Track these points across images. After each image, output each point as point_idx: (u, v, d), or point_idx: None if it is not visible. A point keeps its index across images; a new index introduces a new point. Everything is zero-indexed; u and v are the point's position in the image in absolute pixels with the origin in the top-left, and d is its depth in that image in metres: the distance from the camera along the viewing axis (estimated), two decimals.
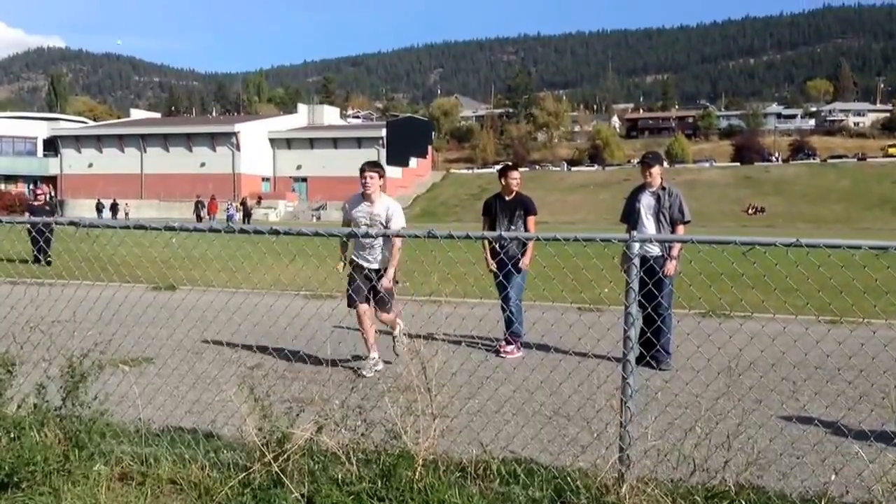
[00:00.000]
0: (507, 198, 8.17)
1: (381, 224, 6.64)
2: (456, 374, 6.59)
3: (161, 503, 3.72)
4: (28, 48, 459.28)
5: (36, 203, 18.18)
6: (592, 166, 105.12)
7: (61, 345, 4.21)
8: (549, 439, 4.74)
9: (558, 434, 4.88)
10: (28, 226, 14.78)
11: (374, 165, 6.96)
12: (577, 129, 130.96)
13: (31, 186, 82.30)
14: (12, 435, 3.87)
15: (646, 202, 7.55)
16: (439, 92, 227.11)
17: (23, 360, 4.29)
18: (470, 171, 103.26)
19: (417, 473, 3.66)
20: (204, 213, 56.74)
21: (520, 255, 7.75)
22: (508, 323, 7.63)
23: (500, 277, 7.33)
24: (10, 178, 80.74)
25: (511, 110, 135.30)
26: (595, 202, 78.28)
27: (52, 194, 76.08)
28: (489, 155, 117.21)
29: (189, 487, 3.80)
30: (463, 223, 65.01)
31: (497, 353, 7.60)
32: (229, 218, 57.03)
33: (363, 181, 6.78)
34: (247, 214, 58.48)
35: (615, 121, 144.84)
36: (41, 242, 15.34)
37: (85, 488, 3.71)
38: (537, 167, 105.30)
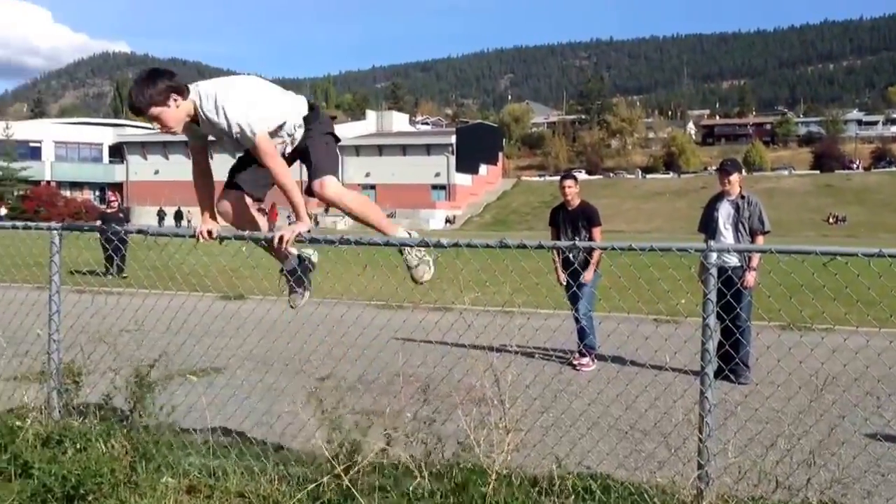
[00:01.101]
0: (569, 208, 8.07)
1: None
2: (529, 387, 6.46)
3: None
4: (93, 53, 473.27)
5: (109, 211, 18.41)
6: (668, 174, 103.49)
7: (129, 355, 4.24)
8: (626, 454, 4.62)
9: (634, 449, 4.76)
10: (100, 234, 15.06)
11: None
12: (651, 135, 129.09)
13: (99, 193, 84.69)
14: (79, 446, 3.90)
15: (724, 211, 7.38)
16: (510, 97, 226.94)
17: (90, 370, 4.33)
18: (542, 179, 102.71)
19: (491, 488, 3.57)
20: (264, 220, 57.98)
21: (586, 267, 7.60)
22: (581, 335, 7.55)
23: (572, 289, 7.25)
24: (75, 185, 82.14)
25: (583, 116, 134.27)
26: (671, 210, 76.93)
27: (121, 202, 77.96)
28: (561, 162, 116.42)
29: (257, 501, 3.77)
30: (535, 232, 64.63)
31: (572, 365, 7.48)
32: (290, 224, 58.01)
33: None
34: (314, 223, 59.58)
35: (690, 127, 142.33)
36: (110, 251, 15.55)
37: (152, 501, 3.69)
38: (611, 174, 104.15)
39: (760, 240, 7.26)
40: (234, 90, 4.04)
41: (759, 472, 3.57)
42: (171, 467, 3.92)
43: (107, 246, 15.42)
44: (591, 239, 7.78)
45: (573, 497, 3.65)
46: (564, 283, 7.74)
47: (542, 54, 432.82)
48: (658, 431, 4.95)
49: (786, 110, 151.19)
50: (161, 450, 3.95)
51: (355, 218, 4.26)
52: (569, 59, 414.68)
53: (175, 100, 3.86)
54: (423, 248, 4.16)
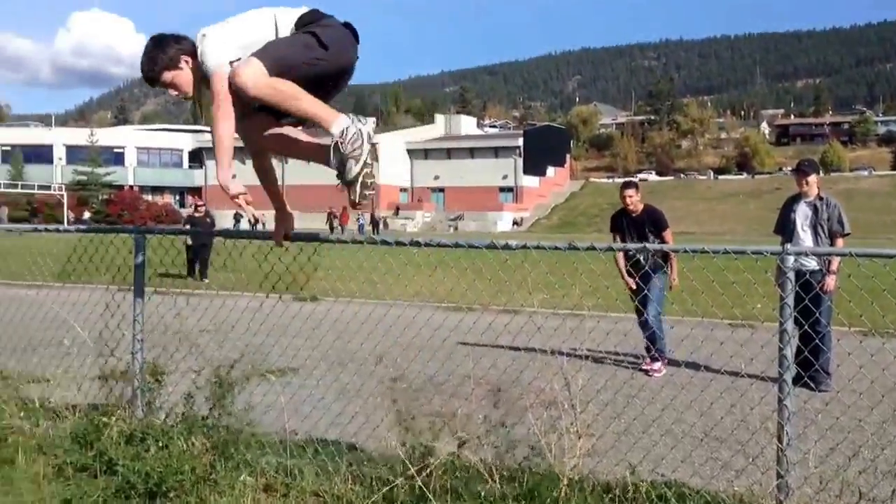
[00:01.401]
0: (633, 214, 7.88)
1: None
2: (601, 392, 6.40)
3: None
4: None
5: (197, 215, 18.63)
6: (741, 174, 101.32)
7: (209, 355, 4.34)
8: (701, 462, 4.52)
9: (710, 457, 4.66)
10: (186, 238, 15.38)
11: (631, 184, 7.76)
12: (723, 136, 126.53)
13: (178, 197, 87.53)
14: (161, 444, 4.01)
15: (801, 213, 7.20)
16: (577, 99, 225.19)
17: (172, 369, 4.45)
18: (610, 180, 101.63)
19: (562, 493, 3.55)
20: (336, 223, 59.02)
21: (656, 270, 7.50)
22: (651, 339, 7.44)
23: (642, 292, 7.12)
24: (156, 190, 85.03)
25: (653, 117, 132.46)
26: (744, 212, 75.15)
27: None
28: (630, 163, 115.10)
29: (332, 500, 3.82)
30: (603, 234, 63.80)
31: (644, 371, 7.39)
32: (360, 228, 58.99)
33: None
34: (375, 225, 60.20)
35: (764, 127, 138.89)
36: (196, 254, 15.93)
37: (230, 499, 3.78)
38: (682, 176, 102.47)
39: (840, 242, 7.06)
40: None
41: (841, 483, 3.48)
42: (249, 465, 4.00)
43: (192, 249, 15.75)
44: (661, 243, 7.60)
45: None
46: (634, 288, 7.60)
47: (610, 55, 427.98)
48: (735, 439, 4.86)
49: (864, 109, 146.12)
50: (239, 448, 4.03)
51: (287, 112, 3.57)
52: (637, 60, 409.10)
53: (187, 61, 3.58)
54: (359, 123, 3.71)
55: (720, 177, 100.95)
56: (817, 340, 6.34)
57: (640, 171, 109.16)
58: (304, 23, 3.50)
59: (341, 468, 4.00)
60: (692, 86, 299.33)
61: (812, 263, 6.82)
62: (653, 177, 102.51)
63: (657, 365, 7.41)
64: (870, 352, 6.24)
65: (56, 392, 4.92)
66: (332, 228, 57.64)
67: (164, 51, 3.54)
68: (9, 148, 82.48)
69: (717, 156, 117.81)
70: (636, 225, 7.77)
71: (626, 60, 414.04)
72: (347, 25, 3.59)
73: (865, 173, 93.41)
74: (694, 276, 5.24)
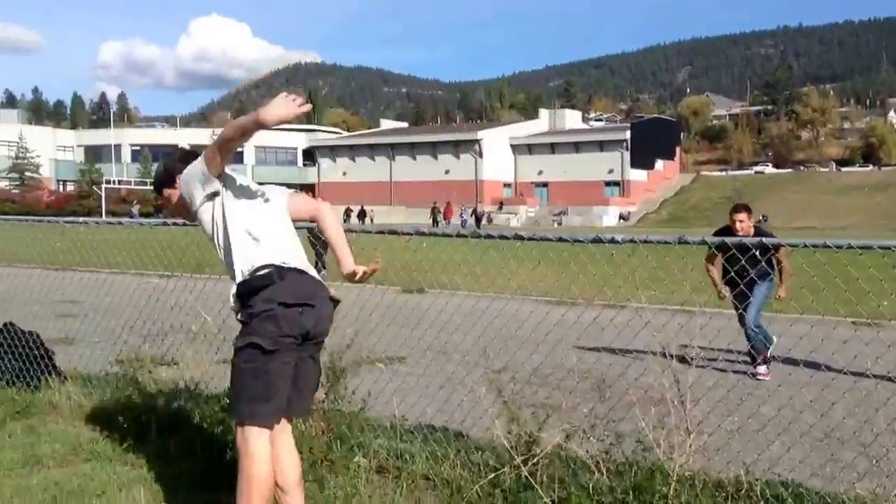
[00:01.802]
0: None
1: None
2: (712, 389, 6.26)
3: (416, 497, 3.86)
4: (287, 64, 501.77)
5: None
6: (866, 166, 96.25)
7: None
8: (820, 463, 4.38)
9: (830, 458, 4.50)
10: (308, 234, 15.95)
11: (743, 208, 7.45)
12: (846, 125, 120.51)
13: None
14: None
15: None
16: (688, 90, 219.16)
17: None
18: (723, 173, 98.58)
19: (672, 489, 3.51)
20: (440, 218, 59.57)
21: (763, 278, 7.19)
22: (755, 347, 7.18)
23: (740, 287, 6.82)
24: None
25: (769, 107, 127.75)
26: (869, 206, 71.38)
27: None
28: (745, 155, 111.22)
29: (442, 484, 3.92)
30: (716, 227, 61.80)
31: (753, 376, 7.22)
32: (463, 223, 59.34)
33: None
34: (478, 219, 60.45)
35: (892, 116, 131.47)
36: (318, 249, 16.42)
37: (346, 479, 3.93)
38: (802, 168, 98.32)
39: None
40: None
41: None
42: (363, 448, 4.15)
43: (315, 244, 16.22)
44: (775, 263, 7.34)
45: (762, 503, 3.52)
46: (729, 296, 7.38)
47: (724, 44, 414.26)
48: (857, 441, 4.70)
49: None
50: (353, 432, 4.18)
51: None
52: (752, 49, 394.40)
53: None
54: None
55: (843, 168, 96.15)
56: None
57: (755, 164, 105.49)
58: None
59: (450, 454, 4.09)
60: (812, 74, 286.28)
61: None
62: (769, 169, 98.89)
63: (762, 368, 7.21)
64: None
65: (185, 374, 5.21)
66: (435, 222, 58.30)
67: (167, 168, 3.64)
68: (138, 148, 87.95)
69: (840, 147, 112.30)
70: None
71: (740, 49, 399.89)
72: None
73: None
74: (815, 272, 5.05)
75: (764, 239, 5.39)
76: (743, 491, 3.59)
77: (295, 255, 3.37)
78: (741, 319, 7.35)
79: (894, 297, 4.41)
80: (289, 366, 3.17)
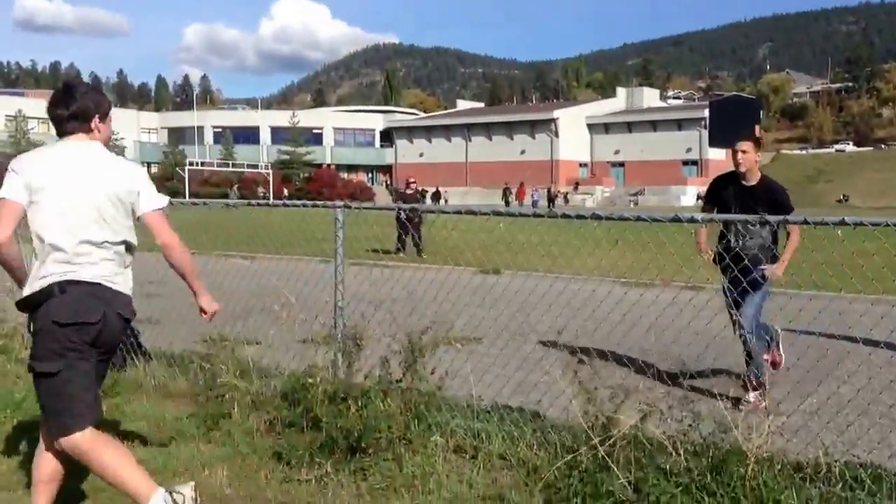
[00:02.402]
0: (744, 182, 5.95)
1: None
2: (790, 370, 6.15)
3: (493, 477, 3.92)
4: (366, 45, 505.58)
5: (408, 192, 18.92)
6: None
7: (401, 322, 4.59)
8: None
9: None
10: (398, 215, 15.96)
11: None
12: None
13: (370, 175, 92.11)
14: (360, 403, 4.29)
15: None
16: (768, 67, 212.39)
17: (369, 335, 4.75)
18: (804, 152, 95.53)
19: (750, 470, 3.48)
20: (512, 199, 59.33)
21: (757, 264, 5.63)
22: (748, 356, 5.81)
23: (734, 293, 5.54)
24: (351, 168, 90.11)
25: (851, 84, 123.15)
26: None
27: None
28: (826, 134, 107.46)
29: (518, 464, 3.97)
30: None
31: (737, 402, 5.52)
32: (534, 203, 59.01)
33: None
34: (551, 200, 60.11)
35: None
36: (410, 231, 15.70)
37: (424, 457, 4.01)
38: (883, 146, 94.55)
39: None
40: None
41: None
42: (440, 427, 4.23)
43: (404, 226, 15.57)
44: (776, 231, 5.86)
45: (840, 485, 3.50)
46: (710, 257, 6.09)
47: (805, 21, 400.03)
48: None
49: None
50: (431, 411, 4.27)
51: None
52: (834, 25, 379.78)
53: None
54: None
55: None
56: None
57: (836, 142, 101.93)
58: None
59: (526, 434, 4.14)
60: (895, 50, 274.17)
61: None
62: (850, 147, 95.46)
63: (752, 395, 5.62)
64: None
65: (267, 354, 5.39)
66: (507, 203, 58.21)
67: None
68: (220, 130, 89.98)
69: None
70: (745, 199, 5.82)
71: (821, 25, 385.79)
72: None
73: None
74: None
75: (791, 217, 4.65)
76: (822, 472, 3.56)
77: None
78: (733, 313, 5.95)
79: None
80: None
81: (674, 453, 3.67)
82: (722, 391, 3.94)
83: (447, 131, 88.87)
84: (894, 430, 4.56)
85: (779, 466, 3.55)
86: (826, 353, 6.52)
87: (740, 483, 3.44)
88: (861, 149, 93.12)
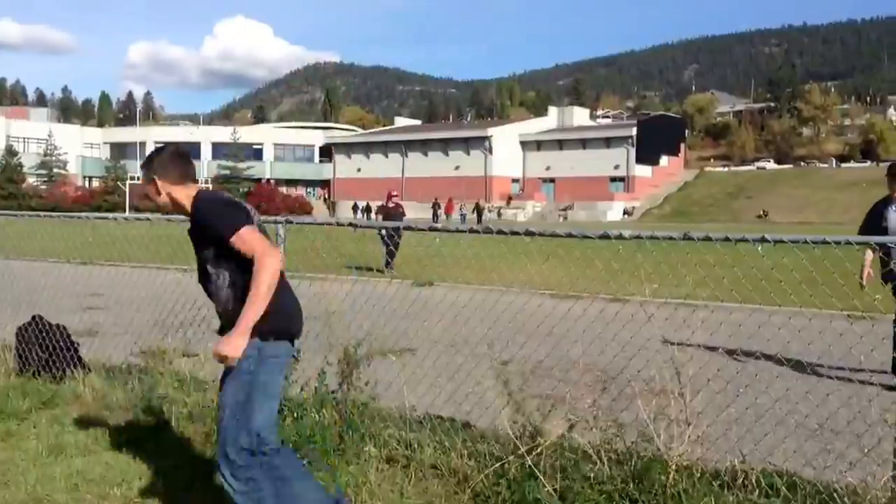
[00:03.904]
0: None
1: None
2: (711, 381, 6.39)
3: (423, 487, 3.98)
4: (307, 64, 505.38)
5: (390, 206, 17.93)
6: (865, 162, 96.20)
7: (337, 335, 4.64)
8: (814, 453, 4.47)
9: (824, 448, 4.60)
10: (382, 231, 15.33)
11: None
12: (847, 122, 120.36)
13: (309, 189, 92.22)
14: (296, 415, 4.34)
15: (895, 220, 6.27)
16: (694, 88, 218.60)
17: (305, 347, 4.78)
18: (726, 169, 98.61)
19: (671, 478, 3.62)
20: (440, 213, 60.33)
21: None
22: None
23: None
24: (290, 182, 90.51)
25: (772, 104, 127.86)
26: (868, 201, 70.39)
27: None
28: (747, 152, 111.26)
29: (449, 473, 4.04)
30: (717, 223, 62.05)
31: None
32: (462, 218, 60.00)
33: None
34: (479, 214, 61.01)
35: (891, 113, 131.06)
36: (390, 247, 14.75)
37: (357, 467, 4.06)
38: (802, 164, 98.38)
39: None
40: None
41: None
42: (374, 438, 4.29)
43: (388, 242, 14.69)
44: None
45: (757, 493, 3.63)
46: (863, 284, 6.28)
47: (729, 43, 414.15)
48: (850, 431, 4.76)
49: None
50: (365, 421, 4.32)
51: None
52: (758, 47, 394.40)
53: None
54: None
55: (843, 165, 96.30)
56: None
57: (757, 160, 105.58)
58: None
59: (457, 444, 4.21)
60: (815, 72, 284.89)
61: None
62: (771, 165, 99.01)
63: None
64: None
65: (205, 366, 5.36)
66: (435, 217, 58.80)
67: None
68: (162, 145, 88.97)
69: (839, 143, 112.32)
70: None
71: (745, 47, 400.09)
72: None
73: None
74: (813, 267, 5.17)
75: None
76: (739, 480, 3.69)
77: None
78: None
79: (888, 290, 4.52)
80: None
81: (598, 462, 3.78)
82: (645, 402, 4.10)
83: (385, 147, 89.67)
84: (810, 440, 4.72)
85: (698, 474, 3.68)
86: (745, 365, 6.80)
87: (661, 491, 3.57)
88: (781, 166, 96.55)
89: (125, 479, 4.10)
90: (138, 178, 70.09)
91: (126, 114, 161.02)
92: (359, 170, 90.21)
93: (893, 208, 6.45)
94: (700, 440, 3.92)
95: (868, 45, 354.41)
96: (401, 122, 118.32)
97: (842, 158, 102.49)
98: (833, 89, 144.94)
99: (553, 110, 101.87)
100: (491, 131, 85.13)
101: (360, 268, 13.63)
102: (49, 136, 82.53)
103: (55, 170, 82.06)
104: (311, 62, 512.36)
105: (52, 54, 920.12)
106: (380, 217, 17.28)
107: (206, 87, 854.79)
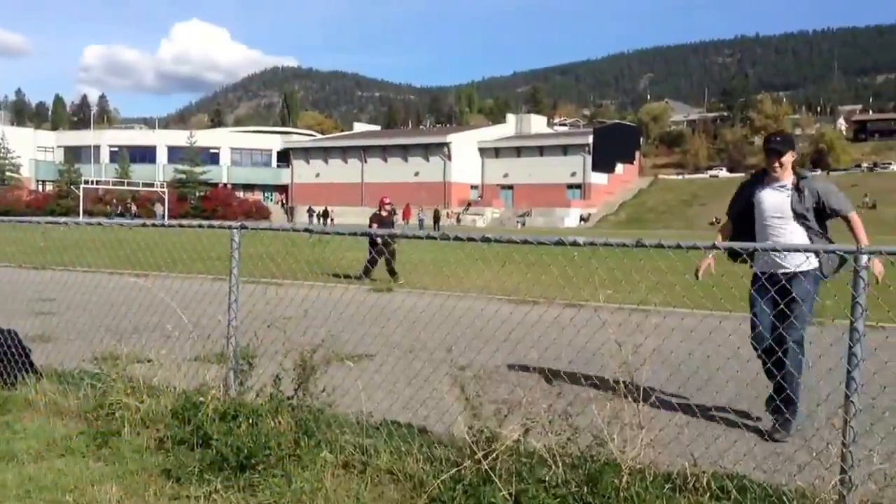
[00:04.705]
0: (778, 185, 5.45)
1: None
2: (664, 385, 6.50)
3: (379, 492, 3.97)
4: (265, 68, 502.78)
5: (384, 213, 17.41)
6: (815, 171, 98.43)
7: (294, 341, 4.63)
8: (764, 456, 4.57)
9: (773, 451, 4.70)
10: (371, 239, 14.79)
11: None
12: (798, 132, 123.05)
13: (267, 194, 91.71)
14: (251, 421, 4.30)
15: (771, 201, 5.45)
16: (649, 97, 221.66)
17: (262, 353, 4.77)
18: (680, 177, 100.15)
19: (624, 481, 3.66)
20: (397, 218, 60.56)
21: (806, 275, 5.29)
22: (786, 400, 5.11)
23: (760, 305, 5.30)
24: (247, 187, 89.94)
25: (725, 114, 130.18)
26: None
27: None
28: (700, 160, 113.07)
29: (405, 479, 4.04)
30: (671, 230, 62.99)
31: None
32: (420, 223, 60.15)
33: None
34: (437, 220, 61.25)
35: (841, 123, 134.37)
36: (385, 255, 14.19)
37: (312, 473, 4.04)
38: (753, 172, 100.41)
39: (854, 217, 5.31)
40: None
41: None
42: (329, 444, 4.27)
43: (383, 251, 14.08)
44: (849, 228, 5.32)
45: (708, 495, 3.69)
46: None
47: (684, 53, 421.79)
48: (799, 434, 4.87)
49: None
50: (321, 427, 4.30)
51: None
52: (711, 57, 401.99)
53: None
54: None
55: None
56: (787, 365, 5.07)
57: (710, 168, 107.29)
58: None
59: (413, 449, 4.21)
60: (767, 82, 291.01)
61: (791, 263, 5.35)
62: (724, 173, 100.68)
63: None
64: None
65: (159, 372, 5.31)
66: (392, 223, 59.04)
67: None
68: (117, 149, 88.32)
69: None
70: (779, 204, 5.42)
71: (700, 57, 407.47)
72: None
73: None
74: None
75: (718, 243, 4.28)
76: (690, 483, 3.74)
77: None
78: (758, 331, 5.52)
79: (837, 297, 4.63)
80: None
81: (553, 466, 3.80)
82: (599, 406, 4.16)
83: (344, 153, 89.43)
84: (759, 443, 4.82)
85: (651, 478, 3.72)
86: (697, 370, 6.90)
87: (615, 494, 3.61)
88: (734, 175, 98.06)
89: (77, 485, 4.04)
90: (92, 182, 69.51)
91: (80, 117, 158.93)
92: (317, 175, 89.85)
93: (771, 188, 5.47)
94: (653, 444, 3.97)
95: (819, 57, 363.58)
96: (360, 127, 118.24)
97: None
98: (785, 99, 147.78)
99: (511, 118, 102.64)
100: (450, 138, 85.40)
101: (338, 275, 13.49)
102: (2, 138, 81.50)
103: (8, 173, 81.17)
104: (269, 66, 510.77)
105: (5, 57, 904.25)
106: (375, 225, 16.58)
107: (162, 91, 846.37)
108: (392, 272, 14.61)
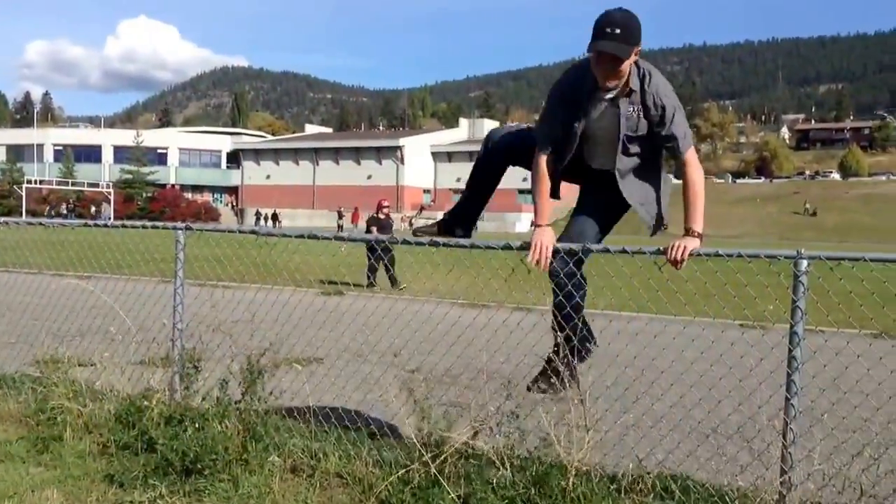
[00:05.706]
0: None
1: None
2: (610, 388, 6.59)
3: (328, 495, 3.96)
4: (215, 67, 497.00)
5: (381, 216, 17.02)
6: (759, 178, 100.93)
7: (241, 344, 4.59)
8: (707, 457, 4.64)
9: (716, 452, 4.77)
10: (369, 245, 13.89)
11: None
12: (743, 140, 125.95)
13: (216, 195, 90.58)
14: (197, 425, 4.26)
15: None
16: None
17: (208, 357, 4.72)
18: None
19: (570, 483, 3.70)
20: (345, 222, 60.59)
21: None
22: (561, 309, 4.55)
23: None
24: (196, 188, 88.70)
25: None
26: (761, 215, 74.90)
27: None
28: None
29: (354, 482, 4.03)
30: (619, 235, 63.39)
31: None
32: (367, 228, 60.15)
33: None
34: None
35: (784, 131, 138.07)
36: (384, 261, 13.21)
37: (260, 478, 4.02)
38: None
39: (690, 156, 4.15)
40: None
41: (843, 480, 3.56)
42: (278, 448, 4.24)
43: (382, 257, 12.59)
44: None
45: (652, 496, 3.75)
46: None
47: None
48: (741, 436, 4.94)
49: (885, 115, 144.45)
50: (269, 431, 4.27)
51: None
52: (659, 65, 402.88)
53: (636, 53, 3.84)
54: None
55: (738, 180, 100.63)
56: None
57: None
58: None
59: (362, 452, 4.21)
60: (714, 90, 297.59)
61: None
62: (671, 180, 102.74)
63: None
64: (878, 354, 6.35)
65: (102, 376, 5.20)
66: (340, 226, 58.69)
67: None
68: (61, 148, 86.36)
69: (736, 160, 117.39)
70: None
71: None
72: None
73: (884, 178, 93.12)
74: (707, 279, 5.39)
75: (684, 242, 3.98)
76: (636, 484, 3.81)
77: None
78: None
79: (779, 302, 4.73)
80: None
81: (501, 468, 3.83)
82: (546, 408, 4.20)
83: (295, 154, 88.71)
84: (702, 444, 4.87)
85: (597, 479, 3.77)
86: (642, 373, 7.00)
87: (562, 495, 3.65)
88: (679, 181, 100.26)
89: (17, 491, 3.96)
90: (36, 182, 67.95)
91: (23, 115, 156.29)
92: (268, 177, 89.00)
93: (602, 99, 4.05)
94: (599, 445, 4.02)
95: (764, 66, 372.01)
96: (311, 129, 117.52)
97: (737, 174, 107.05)
98: (731, 108, 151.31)
99: (464, 122, 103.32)
100: (403, 141, 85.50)
101: (335, 282, 13.18)
102: None
103: None
104: (220, 66, 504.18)
105: None
106: (374, 229, 16.23)
107: (108, 89, 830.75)
108: (393, 280, 14.21)
